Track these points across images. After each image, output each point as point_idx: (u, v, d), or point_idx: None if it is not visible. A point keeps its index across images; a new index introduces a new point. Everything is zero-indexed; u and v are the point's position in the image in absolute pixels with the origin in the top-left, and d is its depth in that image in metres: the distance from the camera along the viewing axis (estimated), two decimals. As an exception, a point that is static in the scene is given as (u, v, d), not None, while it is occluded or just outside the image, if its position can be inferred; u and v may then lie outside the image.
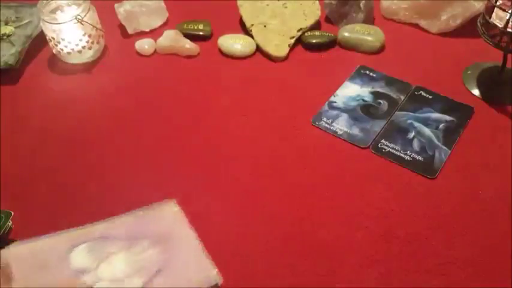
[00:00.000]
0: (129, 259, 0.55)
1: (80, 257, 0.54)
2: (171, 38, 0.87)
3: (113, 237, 0.56)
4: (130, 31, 0.90)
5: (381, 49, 0.85)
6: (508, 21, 0.68)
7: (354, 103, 0.76)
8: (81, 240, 0.56)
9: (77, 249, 0.55)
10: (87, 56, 0.85)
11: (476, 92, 0.77)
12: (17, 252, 0.54)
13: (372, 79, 0.80)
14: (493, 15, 0.70)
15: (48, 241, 0.55)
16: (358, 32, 0.86)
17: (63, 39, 0.81)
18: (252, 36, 0.87)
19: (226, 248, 0.59)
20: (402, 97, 0.77)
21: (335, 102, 0.77)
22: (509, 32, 0.69)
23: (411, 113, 0.74)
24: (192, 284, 0.53)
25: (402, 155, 0.68)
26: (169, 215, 0.59)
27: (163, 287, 0.53)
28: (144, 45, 0.87)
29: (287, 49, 0.85)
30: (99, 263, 0.54)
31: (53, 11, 0.82)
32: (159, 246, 0.56)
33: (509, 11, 0.68)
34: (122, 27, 0.91)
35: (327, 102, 0.77)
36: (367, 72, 0.81)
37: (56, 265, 0.53)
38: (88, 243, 0.56)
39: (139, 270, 0.54)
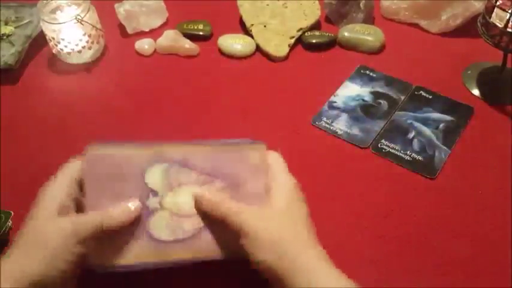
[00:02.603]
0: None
1: (152, 178, 0.52)
2: (171, 38, 0.87)
3: (191, 166, 0.53)
4: (130, 31, 0.90)
5: (381, 49, 0.85)
6: (508, 21, 0.68)
7: (354, 103, 0.76)
8: (161, 159, 0.53)
9: (153, 169, 0.52)
10: (87, 56, 0.85)
11: (476, 92, 0.77)
12: (96, 156, 0.52)
13: (372, 79, 0.80)
14: (493, 15, 0.70)
15: (129, 152, 0.52)
16: (358, 32, 0.86)
17: (63, 39, 0.81)
18: (252, 36, 0.87)
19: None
20: (402, 97, 0.77)
21: (335, 102, 0.77)
22: (509, 32, 0.69)
23: (411, 113, 0.74)
24: None
25: (402, 155, 0.69)
26: (254, 161, 0.55)
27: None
28: (144, 45, 0.87)
29: (287, 49, 0.85)
30: (168, 191, 0.52)
31: (53, 11, 0.82)
32: (230, 192, 0.53)
33: (509, 11, 0.68)
34: (122, 27, 0.91)
35: (327, 102, 0.77)
36: (367, 72, 0.81)
37: (130, 178, 0.51)
38: (165, 165, 0.52)
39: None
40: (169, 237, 0.50)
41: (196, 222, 0.51)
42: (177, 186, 0.52)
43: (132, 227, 0.50)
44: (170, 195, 0.52)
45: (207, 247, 0.51)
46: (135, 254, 0.49)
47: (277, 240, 0.46)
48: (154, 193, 0.52)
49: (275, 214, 0.49)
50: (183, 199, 0.52)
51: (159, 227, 0.51)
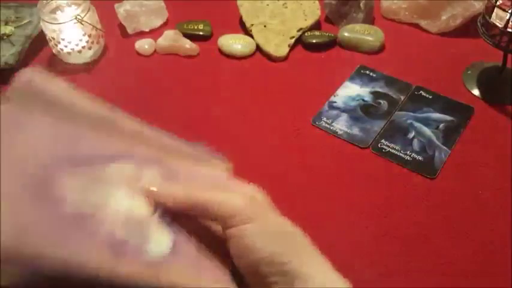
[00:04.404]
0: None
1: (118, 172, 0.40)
2: (171, 38, 0.87)
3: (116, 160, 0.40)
4: (130, 31, 0.90)
5: (381, 49, 0.85)
6: (508, 21, 0.68)
7: (354, 103, 0.76)
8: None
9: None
10: (87, 56, 0.85)
11: (476, 92, 0.77)
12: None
13: (372, 79, 0.80)
14: (493, 15, 0.70)
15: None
16: (358, 32, 0.86)
17: (63, 39, 0.81)
18: (252, 36, 0.87)
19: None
20: (402, 97, 0.77)
21: (335, 102, 0.77)
22: (509, 32, 0.69)
23: (411, 113, 0.74)
24: None
25: (402, 155, 0.68)
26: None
27: None
28: (144, 45, 0.87)
29: (287, 49, 0.85)
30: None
31: (53, 11, 0.82)
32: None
33: (509, 11, 0.68)
34: (122, 27, 0.91)
35: (327, 102, 0.77)
36: (367, 72, 0.81)
37: None
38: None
39: None
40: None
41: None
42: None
43: None
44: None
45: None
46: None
47: (281, 232, 0.40)
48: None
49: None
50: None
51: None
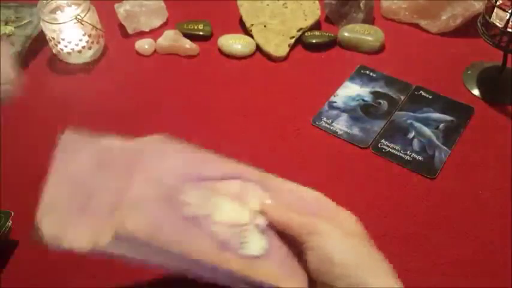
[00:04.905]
0: None
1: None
2: (171, 38, 0.87)
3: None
4: (130, 31, 0.90)
5: (381, 49, 0.85)
6: (508, 21, 0.68)
7: (353, 103, 0.76)
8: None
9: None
10: (87, 55, 0.85)
11: (476, 92, 0.77)
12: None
13: (372, 79, 0.80)
14: (493, 15, 0.70)
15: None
16: (358, 32, 0.86)
17: (63, 39, 0.81)
18: (252, 36, 0.87)
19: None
20: (402, 97, 0.77)
21: (335, 102, 0.77)
22: (509, 32, 0.69)
23: (411, 113, 0.74)
24: None
25: (402, 155, 0.69)
26: None
27: None
28: (144, 45, 0.87)
29: (287, 49, 0.85)
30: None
31: (53, 11, 0.83)
32: None
33: (509, 11, 0.68)
34: (122, 27, 0.91)
35: (327, 102, 0.77)
36: (367, 72, 0.81)
37: None
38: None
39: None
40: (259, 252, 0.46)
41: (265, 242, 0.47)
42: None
43: None
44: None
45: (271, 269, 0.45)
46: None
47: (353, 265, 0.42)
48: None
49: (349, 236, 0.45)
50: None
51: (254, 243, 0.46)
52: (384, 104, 0.76)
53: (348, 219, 0.48)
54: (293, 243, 0.46)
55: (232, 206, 0.48)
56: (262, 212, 0.48)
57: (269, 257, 0.45)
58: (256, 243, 0.46)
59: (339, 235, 0.44)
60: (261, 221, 0.47)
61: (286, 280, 0.45)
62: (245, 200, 0.49)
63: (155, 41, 0.88)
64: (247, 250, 0.45)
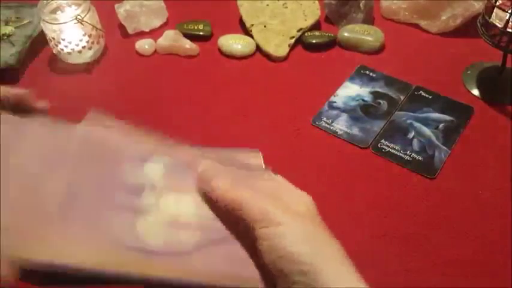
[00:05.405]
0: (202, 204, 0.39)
1: (153, 171, 0.44)
2: (171, 38, 0.87)
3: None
4: (130, 31, 0.90)
5: (381, 49, 0.85)
6: (508, 21, 0.68)
7: (353, 103, 0.76)
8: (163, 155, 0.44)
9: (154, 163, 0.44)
10: (87, 56, 0.85)
11: (476, 92, 0.77)
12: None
13: (372, 79, 0.80)
14: (493, 15, 0.70)
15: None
16: (358, 32, 0.86)
17: (63, 39, 0.81)
18: (252, 36, 0.87)
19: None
20: (402, 97, 0.77)
21: (335, 102, 0.77)
22: (509, 32, 0.69)
23: (411, 113, 0.74)
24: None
25: (402, 155, 0.69)
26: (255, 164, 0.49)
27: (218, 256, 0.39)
28: (144, 45, 0.87)
29: (287, 49, 0.85)
30: (170, 191, 0.42)
31: (53, 11, 0.82)
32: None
33: (509, 11, 0.68)
34: (122, 27, 0.91)
35: (327, 102, 0.77)
36: (367, 72, 0.81)
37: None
38: (169, 160, 0.44)
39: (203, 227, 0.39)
40: (160, 247, 0.38)
41: (198, 235, 0.39)
42: (180, 188, 0.42)
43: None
44: (172, 197, 0.42)
45: (205, 268, 0.38)
46: (99, 257, 0.36)
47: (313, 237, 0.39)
48: (152, 188, 0.42)
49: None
50: (186, 205, 0.41)
51: (150, 231, 0.39)
52: (384, 104, 0.76)
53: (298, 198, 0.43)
54: (235, 225, 0.37)
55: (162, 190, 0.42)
56: (200, 183, 0.38)
57: (207, 251, 0.38)
58: (188, 237, 0.39)
59: (298, 225, 0.38)
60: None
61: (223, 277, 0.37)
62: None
63: (155, 41, 0.88)
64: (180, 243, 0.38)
